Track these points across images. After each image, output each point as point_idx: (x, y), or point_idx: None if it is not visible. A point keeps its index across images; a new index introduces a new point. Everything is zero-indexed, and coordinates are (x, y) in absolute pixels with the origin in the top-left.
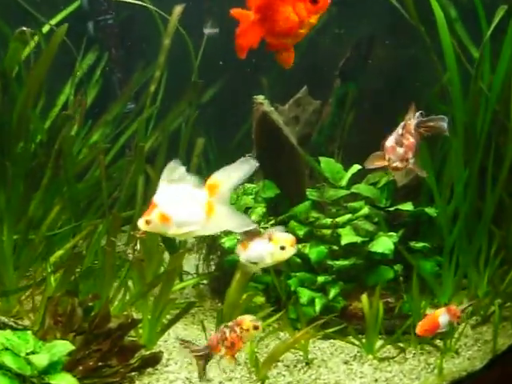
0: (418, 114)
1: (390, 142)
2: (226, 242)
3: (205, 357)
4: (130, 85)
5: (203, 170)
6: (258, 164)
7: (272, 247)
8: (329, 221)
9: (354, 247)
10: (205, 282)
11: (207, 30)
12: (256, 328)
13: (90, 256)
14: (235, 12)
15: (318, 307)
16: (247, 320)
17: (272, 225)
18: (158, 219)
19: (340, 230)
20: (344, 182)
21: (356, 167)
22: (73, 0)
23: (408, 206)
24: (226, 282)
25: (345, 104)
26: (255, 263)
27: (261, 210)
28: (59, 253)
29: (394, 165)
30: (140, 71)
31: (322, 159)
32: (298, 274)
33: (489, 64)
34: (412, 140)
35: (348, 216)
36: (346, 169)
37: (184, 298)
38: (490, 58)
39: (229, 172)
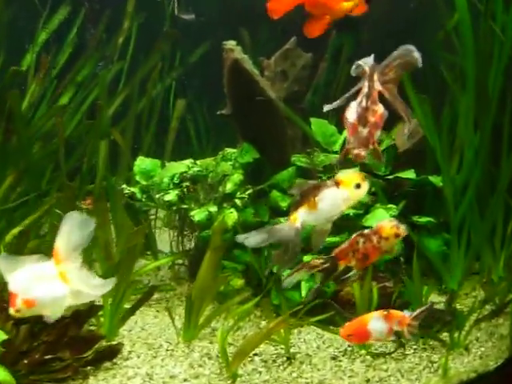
0: (369, 59)
1: (351, 115)
2: (196, 215)
3: (329, 269)
4: (93, 41)
5: (193, 140)
6: (92, 219)
7: (346, 191)
8: None
9: (346, 221)
10: (181, 261)
11: (183, 16)
12: (397, 236)
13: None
14: None
15: (304, 291)
16: (387, 226)
17: (249, 195)
18: (25, 306)
19: None
20: (338, 147)
21: None
22: None
23: (410, 174)
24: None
25: (341, 58)
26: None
27: (237, 177)
28: (16, 230)
29: (356, 152)
30: (104, 23)
31: (313, 121)
32: None
33: (502, 2)
34: (380, 111)
35: None
36: (342, 132)
37: (159, 280)
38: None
39: (67, 235)
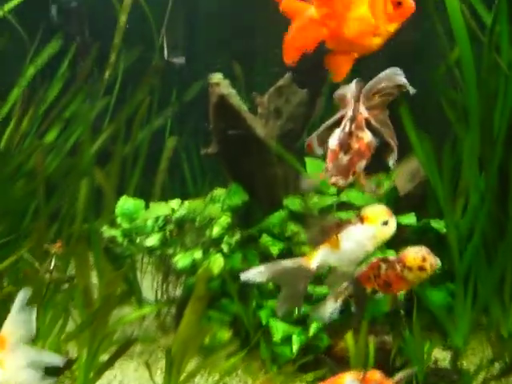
0: (352, 84)
1: (333, 141)
2: (180, 261)
3: (358, 295)
4: (81, 76)
5: (188, 181)
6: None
7: (373, 228)
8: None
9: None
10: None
11: (174, 60)
12: (422, 269)
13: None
14: (288, 4)
15: (295, 346)
16: (411, 255)
17: (237, 240)
18: None
19: None
20: (333, 189)
21: None
22: None
23: (410, 219)
24: None
25: None
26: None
27: (225, 220)
28: None
29: (333, 180)
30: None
31: (308, 161)
32: (270, 302)
33: (507, 35)
34: (367, 139)
35: None
36: None
37: (144, 330)
38: (507, 26)
39: (14, 321)
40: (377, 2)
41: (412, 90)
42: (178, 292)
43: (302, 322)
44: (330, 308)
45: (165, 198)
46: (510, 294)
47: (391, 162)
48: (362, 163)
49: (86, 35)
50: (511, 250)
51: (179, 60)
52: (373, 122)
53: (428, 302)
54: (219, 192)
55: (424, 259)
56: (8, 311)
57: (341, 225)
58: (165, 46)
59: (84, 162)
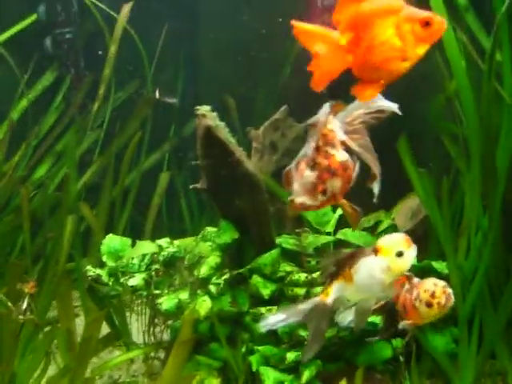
0: (325, 107)
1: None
2: (164, 303)
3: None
4: (74, 106)
5: (185, 218)
6: None
7: (386, 260)
8: (303, 276)
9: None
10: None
11: (166, 99)
12: (429, 305)
13: None
14: (302, 29)
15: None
16: (424, 285)
17: (225, 280)
18: None
19: (318, 290)
20: (331, 227)
21: None
22: (28, 11)
23: None
24: None
25: None
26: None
27: (214, 260)
28: None
29: (298, 200)
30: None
31: None
32: (261, 347)
33: (509, 63)
34: (340, 158)
35: None
36: (335, 210)
37: (131, 375)
38: (510, 54)
39: None
40: (403, 23)
41: (397, 111)
42: (166, 335)
43: (295, 370)
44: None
45: (160, 235)
46: None
47: (375, 189)
48: (336, 183)
49: (81, 67)
50: None
51: (171, 100)
52: (352, 145)
53: (430, 348)
54: (211, 230)
55: (433, 295)
56: None
57: (354, 256)
58: (157, 90)
59: (69, 198)
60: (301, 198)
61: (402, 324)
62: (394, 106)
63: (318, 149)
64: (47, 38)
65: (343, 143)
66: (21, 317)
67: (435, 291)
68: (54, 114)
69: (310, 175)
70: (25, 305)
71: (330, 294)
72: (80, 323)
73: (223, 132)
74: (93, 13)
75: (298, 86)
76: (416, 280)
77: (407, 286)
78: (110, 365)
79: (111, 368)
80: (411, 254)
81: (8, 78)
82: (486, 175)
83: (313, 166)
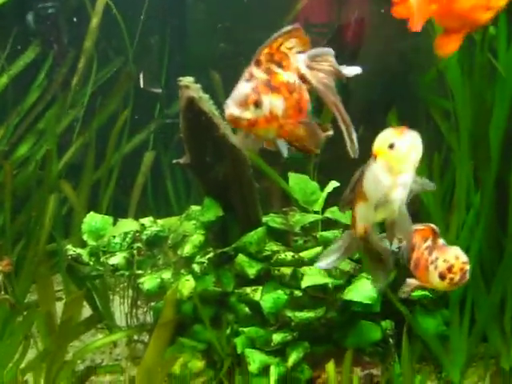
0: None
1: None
2: (146, 283)
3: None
4: (57, 83)
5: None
6: None
7: (383, 159)
8: (289, 255)
9: (323, 294)
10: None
11: (151, 89)
12: (442, 277)
13: None
14: None
15: (273, 378)
16: (446, 255)
17: (209, 259)
18: None
19: (304, 269)
20: (318, 206)
21: (332, 184)
22: None
23: None
24: None
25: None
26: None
27: (197, 238)
28: None
29: (228, 111)
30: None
31: (292, 176)
32: (246, 329)
33: (505, 36)
34: (286, 79)
35: (317, 249)
36: (322, 188)
37: (114, 359)
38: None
39: None
40: None
41: (343, 79)
42: (150, 317)
43: (281, 352)
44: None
45: (145, 215)
46: (510, 321)
47: (352, 151)
48: (276, 101)
49: (64, 43)
50: (511, 272)
51: (155, 89)
52: (311, 79)
53: (420, 330)
54: (196, 208)
55: (450, 269)
56: None
57: (362, 174)
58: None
59: (51, 176)
60: (230, 109)
61: (409, 282)
62: (354, 71)
63: (257, 63)
64: (29, 12)
65: (299, 74)
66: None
67: (453, 265)
68: (36, 91)
69: (244, 85)
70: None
71: (357, 225)
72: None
73: (207, 104)
74: None
75: None
76: (441, 242)
77: (429, 242)
78: (92, 348)
79: (93, 351)
80: (404, 141)
81: None
82: (478, 152)
83: (249, 78)
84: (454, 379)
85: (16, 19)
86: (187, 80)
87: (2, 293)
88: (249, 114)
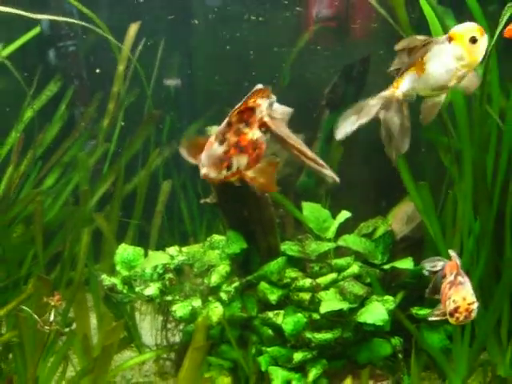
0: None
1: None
2: (178, 311)
3: None
4: (81, 121)
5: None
6: None
7: (460, 47)
8: (307, 282)
9: (339, 316)
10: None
11: (168, 82)
12: (451, 315)
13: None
14: None
15: None
16: (456, 293)
17: (235, 287)
18: None
19: (322, 294)
20: (331, 234)
21: (344, 214)
22: (31, 24)
23: (407, 264)
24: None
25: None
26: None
27: (224, 269)
28: None
29: (203, 171)
30: (96, 103)
31: (305, 205)
32: (270, 349)
33: (497, 84)
34: (253, 136)
35: (332, 276)
36: (336, 217)
37: (143, 375)
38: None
39: None
40: None
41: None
42: (178, 337)
43: (301, 369)
44: None
45: (162, 238)
46: (507, 335)
47: (331, 177)
48: (242, 160)
49: (84, 78)
50: (507, 292)
51: (174, 82)
52: (274, 128)
53: (425, 345)
54: (218, 238)
55: (456, 310)
56: (7, 358)
57: (427, 45)
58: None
59: (86, 210)
60: (205, 170)
61: (437, 310)
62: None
63: (229, 124)
64: (51, 50)
65: (263, 124)
66: (47, 327)
67: (460, 306)
68: (57, 123)
69: (217, 149)
70: (52, 317)
71: (401, 85)
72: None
73: None
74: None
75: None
76: (459, 279)
77: (452, 277)
78: (125, 366)
79: (124, 369)
80: (484, 41)
81: (13, 90)
82: (478, 182)
83: (222, 140)
84: None
85: (39, 56)
86: (213, 129)
87: (54, 324)
88: (221, 175)
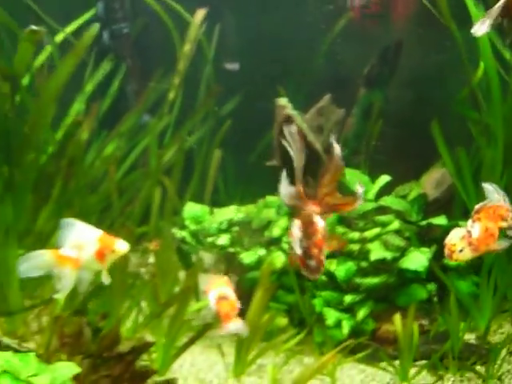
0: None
1: (296, 246)
2: (245, 258)
3: None
4: (144, 95)
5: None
6: None
7: None
8: (356, 235)
9: (383, 264)
10: None
11: (228, 65)
12: None
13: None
14: None
15: (345, 330)
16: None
17: None
18: None
19: (369, 246)
20: (371, 195)
21: (384, 178)
22: (87, 8)
23: (441, 220)
24: (245, 302)
25: (370, 114)
26: None
27: (284, 222)
28: None
29: (313, 278)
30: (156, 81)
31: (348, 171)
32: (323, 293)
33: None
34: (320, 225)
35: (377, 230)
36: (373, 181)
37: (201, 319)
38: None
39: None
40: None
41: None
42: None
43: (351, 310)
44: None
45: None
46: None
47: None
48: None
49: (135, 57)
50: None
51: (233, 65)
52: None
53: (456, 291)
54: (272, 198)
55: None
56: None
57: None
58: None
59: (156, 171)
60: (314, 276)
61: None
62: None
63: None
64: (104, 32)
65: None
66: (143, 269)
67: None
68: (110, 98)
69: (311, 262)
70: (150, 259)
71: None
72: None
73: (299, 119)
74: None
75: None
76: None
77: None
78: (191, 310)
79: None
80: None
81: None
82: (507, 152)
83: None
84: (481, 327)
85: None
86: (283, 100)
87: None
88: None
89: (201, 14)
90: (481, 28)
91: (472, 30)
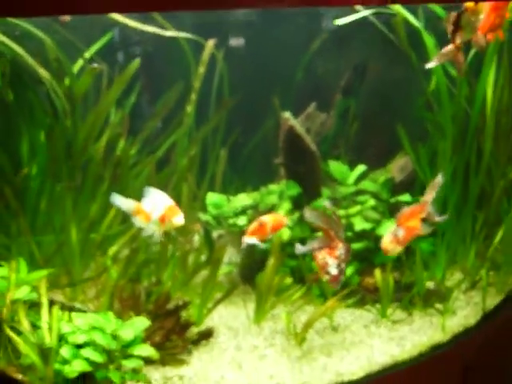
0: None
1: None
2: None
3: None
4: (161, 106)
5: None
6: None
7: None
8: (342, 212)
9: (364, 233)
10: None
11: None
12: None
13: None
14: None
15: None
16: None
17: (297, 218)
18: None
19: (352, 219)
20: (351, 181)
21: (361, 168)
22: (103, 31)
23: (406, 198)
24: (256, 269)
25: (346, 115)
26: None
27: (287, 205)
28: (115, 248)
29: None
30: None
31: (331, 162)
32: None
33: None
34: (339, 245)
35: (358, 207)
36: (351, 169)
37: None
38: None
39: None
40: None
41: None
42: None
43: None
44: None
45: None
46: (470, 240)
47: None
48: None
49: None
50: (471, 213)
51: None
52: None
53: (419, 250)
54: (274, 186)
55: None
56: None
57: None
58: None
59: (183, 168)
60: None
61: None
62: None
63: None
64: (119, 54)
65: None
66: (188, 246)
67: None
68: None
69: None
70: (195, 238)
71: None
72: None
73: (299, 127)
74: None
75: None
76: None
77: None
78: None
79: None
80: None
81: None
82: (455, 142)
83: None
84: (438, 276)
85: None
86: (286, 114)
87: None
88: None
89: (210, 45)
90: (431, 64)
91: (426, 65)
